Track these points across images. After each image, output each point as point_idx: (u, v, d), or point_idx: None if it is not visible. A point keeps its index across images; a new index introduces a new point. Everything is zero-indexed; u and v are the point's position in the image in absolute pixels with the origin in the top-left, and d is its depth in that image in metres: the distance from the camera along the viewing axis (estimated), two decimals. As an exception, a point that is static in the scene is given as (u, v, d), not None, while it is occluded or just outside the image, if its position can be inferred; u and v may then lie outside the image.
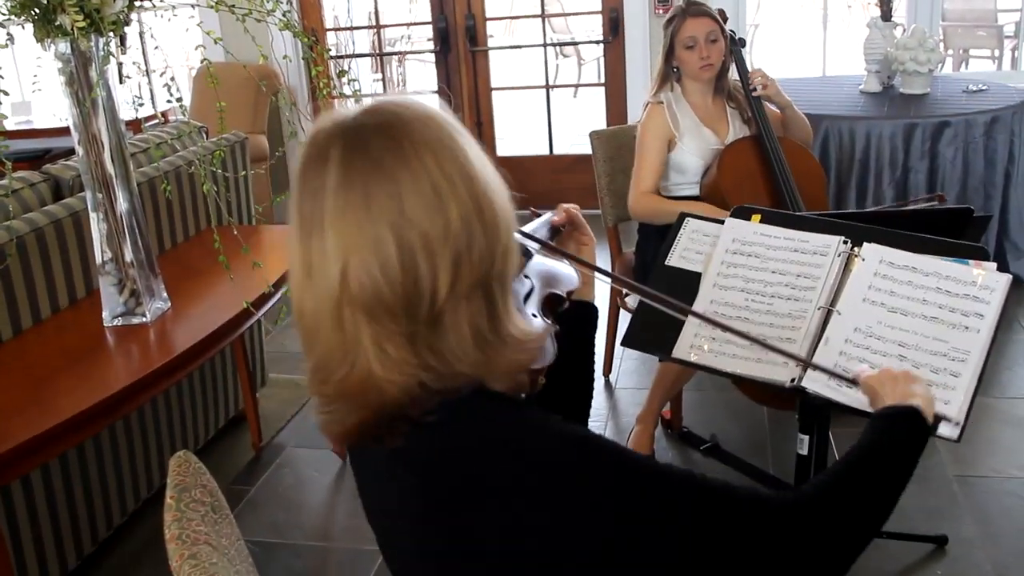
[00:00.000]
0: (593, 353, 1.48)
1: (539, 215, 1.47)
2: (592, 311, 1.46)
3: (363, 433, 1.01)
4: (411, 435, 1.00)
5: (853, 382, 1.37)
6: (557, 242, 1.46)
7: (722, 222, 2.02)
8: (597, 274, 1.43)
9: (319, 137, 0.98)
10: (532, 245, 1.30)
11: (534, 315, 1.26)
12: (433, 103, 1.03)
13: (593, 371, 1.49)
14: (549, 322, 1.24)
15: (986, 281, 1.73)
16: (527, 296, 1.28)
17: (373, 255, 0.93)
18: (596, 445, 1.01)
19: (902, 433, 1.26)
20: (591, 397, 1.48)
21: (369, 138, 0.96)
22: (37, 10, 2.03)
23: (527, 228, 1.42)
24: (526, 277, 1.29)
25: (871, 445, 1.23)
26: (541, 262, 1.33)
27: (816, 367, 1.61)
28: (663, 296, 1.41)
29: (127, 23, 2.20)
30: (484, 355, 0.99)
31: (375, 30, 6.17)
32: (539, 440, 1.00)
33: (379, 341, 0.95)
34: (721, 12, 3.14)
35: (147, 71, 5.05)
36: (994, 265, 1.75)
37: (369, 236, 0.93)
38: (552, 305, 1.29)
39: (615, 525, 0.98)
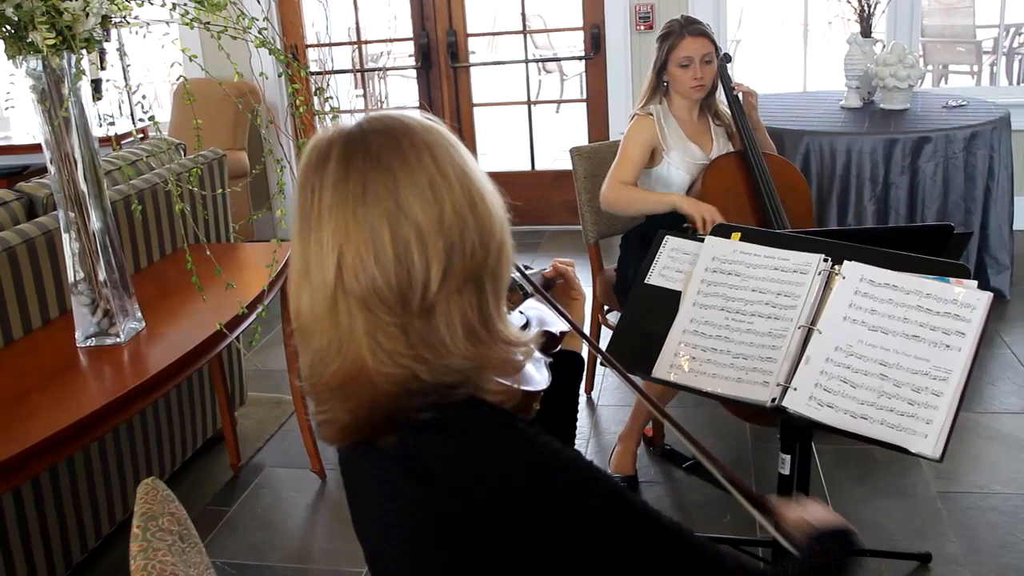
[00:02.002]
0: (576, 403, 1.49)
1: (529, 269, 1.49)
2: (578, 363, 1.48)
3: (357, 430, 1.03)
4: (407, 437, 1.01)
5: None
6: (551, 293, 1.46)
7: (701, 239, 2.01)
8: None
9: (321, 142, 1.02)
10: (526, 285, 1.32)
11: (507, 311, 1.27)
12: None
13: (576, 420, 1.50)
14: (543, 355, 1.24)
15: (967, 299, 1.73)
16: (522, 329, 1.28)
17: (368, 245, 0.96)
18: (588, 472, 1.02)
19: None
20: (573, 443, 1.48)
21: (369, 138, 1.00)
22: (8, 27, 2.00)
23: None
24: (520, 312, 1.33)
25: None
26: (536, 304, 1.36)
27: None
28: (622, 371, 1.39)
29: (105, 40, 2.17)
30: (475, 348, 1.00)
31: (356, 46, 6.15)
32: (533, 461, 1.00)
33: (372, 331, 0.98)
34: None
35: (127, 88, 5.02)
36: (975, 283, 1.75)
37: (365, 226, 0.96)
38: (545, 344, 1.30)
39: (614, 554, 0.99)
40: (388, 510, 1.06)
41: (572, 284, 1.49)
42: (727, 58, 3.16)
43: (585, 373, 3.49)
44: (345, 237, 0.96)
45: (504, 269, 1.05)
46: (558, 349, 1.35)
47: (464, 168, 1.02)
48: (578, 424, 1.51)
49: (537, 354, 1.26)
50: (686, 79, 2.98)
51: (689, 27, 2.99)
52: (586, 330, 1.41)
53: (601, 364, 1.88)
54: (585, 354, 1.56)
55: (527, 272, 1.45)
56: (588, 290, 3.33)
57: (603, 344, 1.98)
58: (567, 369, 1.43)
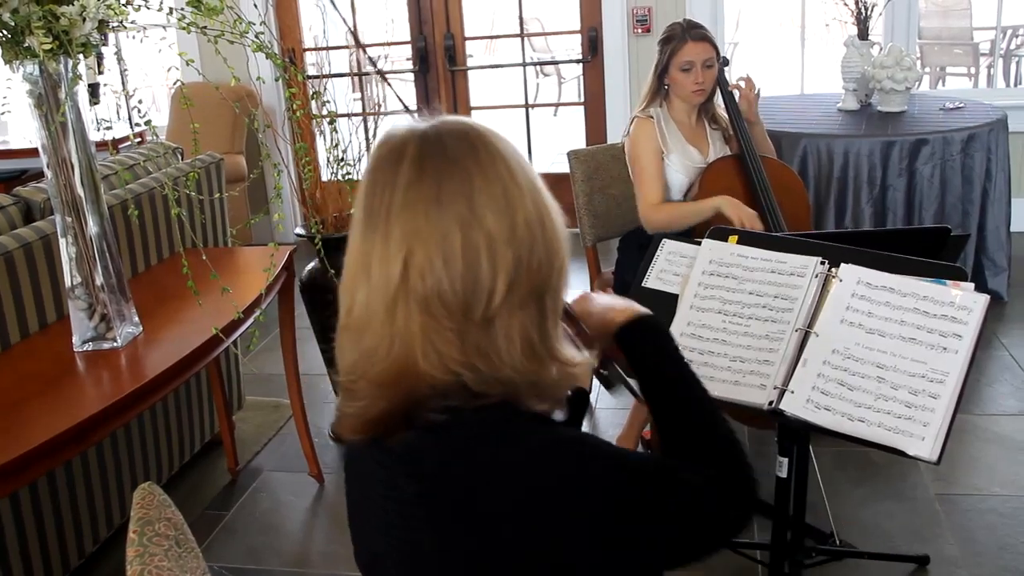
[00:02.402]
0: (587, 402, 1.47)
1: None
2: (585, 400, 1.45)
3: (379, 426, 1.01)
4: (416, 437, 1.00)
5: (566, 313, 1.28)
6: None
7: (698, 243, 2.01)
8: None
9: (394, 138, 1.00)
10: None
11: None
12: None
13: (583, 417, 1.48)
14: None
15: (964, 301, 1.73)
16: None
17: (438, 248, 0.95)
18: (595, 448, 1.02)
19: (667, 339, 1.29)
20: None
21: (446, 140, 0.99)
22: (5, 31, 2.00)
23: None
24: None
25: (670, 367, 1.25)
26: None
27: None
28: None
29: (103, 44, 2.17)
30: (531, 365, 1.00)
31: (354, 50, 6.15)
32: (529, 454, 0.99)
33: (429, 334, 0.96)
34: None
35: (124, 92, 5.02)
36: (971, 285, 1.75)
37: (436, 228, 0.95)
38: None
39: (615, 525, 0.99)
40: (390, 511, 1.05)
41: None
42: (725, 62, 3.16)
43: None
44: (415, 237, 0.95)
45: (563, 289, 1.05)
46: None
47: (535, 183, 1.01)
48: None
49: None
50: (687, 83, 2.98)
51: (691, 31, 2.99)
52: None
53: (596, 372, 1.86)
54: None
55: None
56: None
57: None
58: (573, 406, 1.42)
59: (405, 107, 3.58)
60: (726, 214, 2.85)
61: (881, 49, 4.44)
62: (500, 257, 0.95)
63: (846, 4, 4.45)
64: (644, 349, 1.26)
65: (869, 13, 4.37)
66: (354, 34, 4.87)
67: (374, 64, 4.58)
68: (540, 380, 1.01)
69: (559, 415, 1.12)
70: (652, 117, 3.04)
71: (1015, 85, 7.49)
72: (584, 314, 1.38)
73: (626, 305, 1.31)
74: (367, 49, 4.63)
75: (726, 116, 3.11)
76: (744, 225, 2.77)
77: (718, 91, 3.10)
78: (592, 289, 3.37)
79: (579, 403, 1.44)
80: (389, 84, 4.71)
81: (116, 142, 4.82)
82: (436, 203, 0.95)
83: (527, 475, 0.98)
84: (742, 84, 3.09)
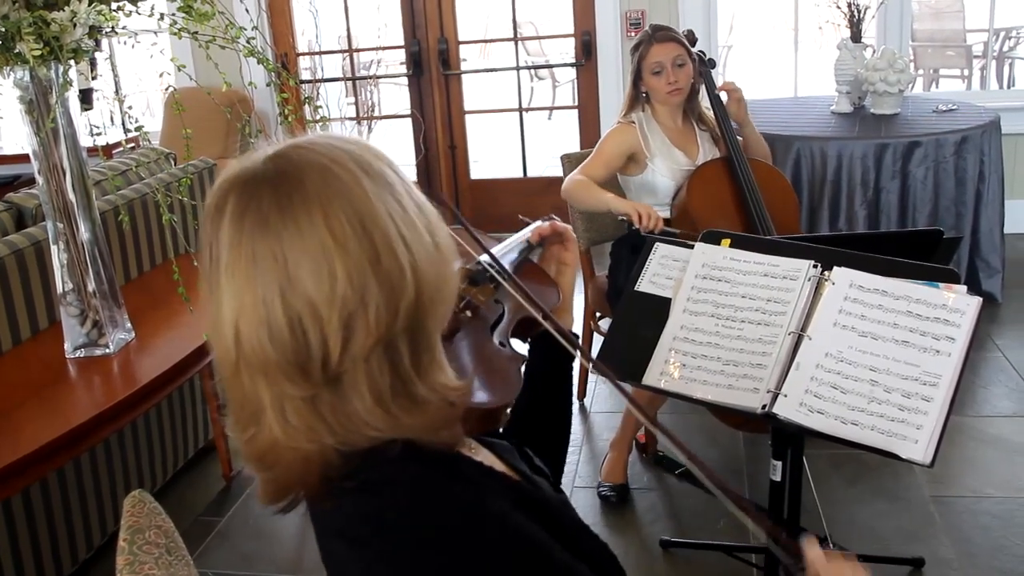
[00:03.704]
0: (568, 386, 1.42)
1: (527, 223, 1.43)
2: (567, 364, 1.40)
3: (285, 498, 0.98)
4: (340, 500, 0.95)
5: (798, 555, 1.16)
6: (537, 257, 1.41)
7: (691, 246, 2.00)
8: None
9: (220, 187, 0.94)
10: (500, 279, 1.23)
11: (501, 343, 1.23)
12: (361, 136, 0.98)
13: (569, 405, 1.44)
14: (516, 352, 1.21)
15: (956, 304, 1.73)
16: (495, 323, 1.24)
17: (262, 319, 0.88)
18: (515, 539, 0.96)
19: None
20: (567, 434, 1.43)
21: (261, 191, 0.90)
22: (-4, 38, 2.00)
23: (507, 242, 1.37)
24: (497, 302, 1.25)
25: None
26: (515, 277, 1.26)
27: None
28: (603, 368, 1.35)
29: (96, 50, 2.17)
30: (391, 416, 0.93)
31: (347, 54, 6.15)
32: (457, 523, 0.94)
33: (279, 406, 0.91)
34: (690, 34, 3.15)
35: (116, 97, 5.01)
36: (964, 288, 1.75)
37: (257, 298, 0.88)
38: (527, 328, 1.25)
39: None
40: (335, 569, 1.01)
41: (566, 236, 1.38)
42: (711, 63, 3.16)
43: (577, 380, 3.51)
44: (239, 309, 0.89)
45: (428, 320, 0.94)
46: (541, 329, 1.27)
47: (364, 218, 0.90)
48: (570, 431, 1.47)
49: (509, 354, 1.21)
50: (661, 85, 2.99)
51: (656, 34, 3.01)
52: (577, 329, 1.35)
53: (592, 371, 1.86)
54: (577, 325, 1.47)
55: (508, 246, 1.37)
56: (580, 297, 3.34)
57: (598, 347, 1.97)
58: (551, 357, 1.36)
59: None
60: (617, 210, 2.88)
61: (874, 51, 4.44)
62: (325, 321, 0.88)
63: (839, 7, 4.46)
64: None
65: (862, 16, 4.37)
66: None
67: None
68: (408, 426, 0.94)
69: (514, 384, 1.08)
70: (634, 123, 3.05)
71: (1008, 87, 7.50)
72: (572, 258, 1.36)
73: None
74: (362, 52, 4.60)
75: (713, 116, 3.11)
76: (641, 214, 2.77)
77: (704, 91, 3.11)
78: (586, 292, 3.37)
79: (557, 349, 1.32)
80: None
81: (109, 148, 4.82)
82: (253, 271, 0.89)
83: (454, 543, 0.93)
84: (723, 95, 3.10)
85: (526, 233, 1.41)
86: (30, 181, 4.37)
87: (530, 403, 1.33)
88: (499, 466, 1.08)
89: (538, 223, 1.42)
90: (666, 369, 1.88)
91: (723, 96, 3.09)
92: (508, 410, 1.07)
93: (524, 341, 1.36)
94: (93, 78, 4.50)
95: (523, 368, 1.28)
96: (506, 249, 1.36)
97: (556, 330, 1.22)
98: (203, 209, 0.95)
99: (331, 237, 0.88)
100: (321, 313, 0.88)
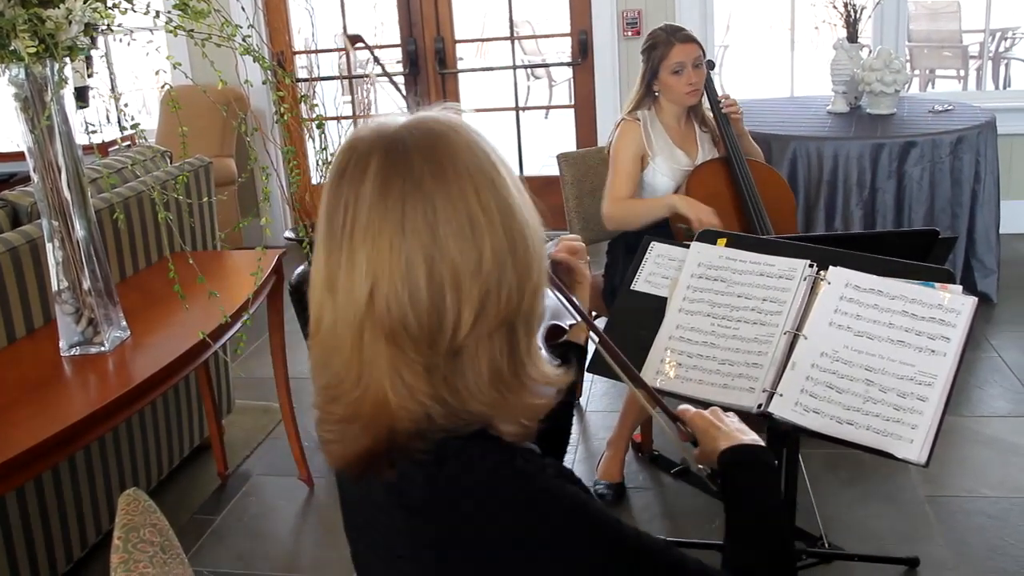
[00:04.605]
0: (575, 397, 1.46)
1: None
2: (581, 355, 1.44)
3: (367, 462, 0.98)
4: (407, 472, 0.97)
5: (675, 418, 1.36)
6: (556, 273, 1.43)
7: (687, 245, 2.01)
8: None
9: (359, 145, 0.95)
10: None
11: (539, 348, 1.24)
12: (476, 123, 1.00)
13: (572, 413, 1.47)
14: (559, 362, 1.22)
15: (952, 304, 1.73)
16: None
17: (403, 280, 0.91)
18: (584, 510, 0.98)
19: (758, 473, 1.27)
20: (568, 438, 1.45)
21: (411, 154, 0.93)
22: (-9, 35, 1.99)
23: None
24: None
25: (746, 501, 1.24)
26: (548, 293, 1.30)
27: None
28: (630, 367, 1.37)
29: (91, 47, 2.16)
30: (500, 395, 0.96)
31: (344, 52, 6.14)
32: (525, 497, 0.96)
33: (397, 366, 0.93)
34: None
35: (112, 95, 5.00)
36: (960, 288, 1.75)
37: (401, 259, 0.91)
38: (552, 336, 1.27)
39: None
40: (386, 541, 1.03)
41: (576, 269, 1.42)
42: (711, 64, 3.17)
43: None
44: (380, 266, 0.91)
45: (539, 309, 1.00)
46: (563, 339, 1.30)
47: (508, 200, 0.95)
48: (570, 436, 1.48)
49: (547, 357, 1.23)
50: (680, 85, 2.99)
51: (677, 35, 3.01)
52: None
53: (588, 370, 1.86)
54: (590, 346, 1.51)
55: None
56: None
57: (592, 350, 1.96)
58: (569, 363, 1.39)
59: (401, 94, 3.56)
60: (682, 212, 2.87)
61: (870, 52, 4.45)
62: (465, 291, 0.91)
63: (835, 7, 4.46)
64: (735, 483, 1.25)
65: (858, 16, 4.38)
66: (354, 36, 4.86)
67: (378, 61, 4.55)
68: (511, 410, 0.98)
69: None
70: (639, 120, 3.05)
71: (1004, 87, 7.51)
72: (700, 430, 1.36)
73: (735, 430, 1.31)
74: (369, 49, 4.60)
75: (713, 117, 3.11)
76: (702, 221, 2.79)
77: (704, 93, 3.11)
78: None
79: (575, 361, 1.41)
80: (392, 81, 4.69)
81: (105, 145, 4.81)
82: (400, 230, 0.90)
83: (515, 518, 0.96)
84: (730, 103, 3.10)
85: (549, 248, 1.43)
86: (25, 179, 4.36)
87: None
88: None
89: (552, 243, 1.43)
90: (662, 368, 1.88)
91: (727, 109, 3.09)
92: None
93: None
94: (89, 76, 4.49)
95: None
96: None
97: (595, 334, 1.28)
98: (335, 168, 0.96)
99: (482, 213, 0.92)
100: (463, 284, 0.91)
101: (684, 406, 1.39)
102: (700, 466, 1.36)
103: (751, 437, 1.30)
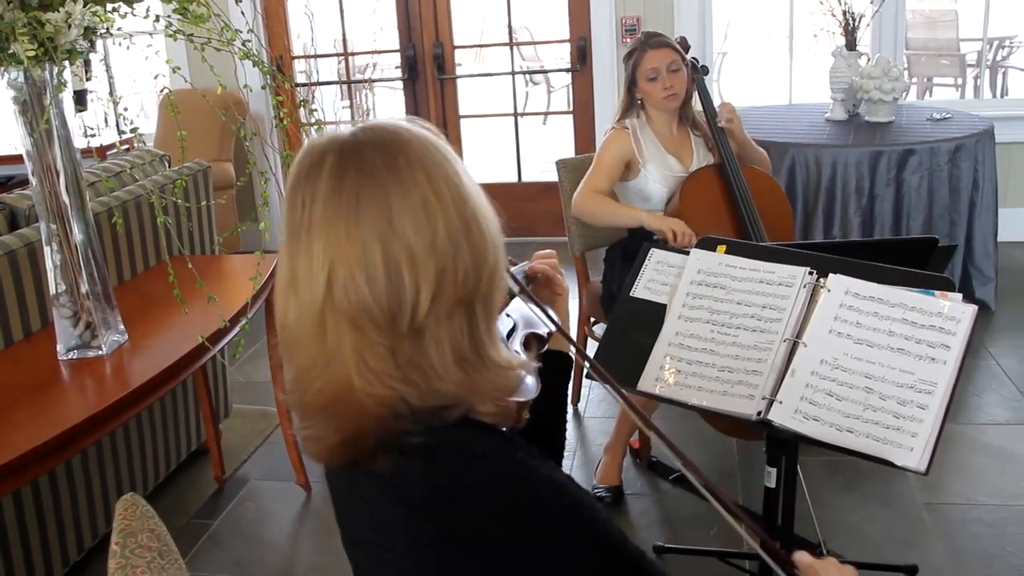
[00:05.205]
0: (566, 405, 1.46)
1: (515, 264, 1.45)
2: (567, 362, 1.45)
3: (346, 453, 1.00)
4: (399, 463, 0.98)
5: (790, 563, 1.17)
6: (532, 289, 1.44)
7: (687, 252, 2.00)
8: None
9: (314, 149, 0.99)
10: (512, 286, 1.28)
11: (516, 351, 1.24)
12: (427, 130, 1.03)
13: (565, 421, 1.47)
14: (531, 360, 1.22)
15: (952, 312, 1.73)
16: (509, 333, 1.28)
17: (359, 263, 0.94)
18: (576, 500, 1.00)
19: None
20: (563, 445, 1.46)
21: (364, 150, 0.97)
22: (-10, 38, 1.98)
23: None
24: (508, 316, 1.29)
25: None
26: (522, 305, 1.32)
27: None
28: (608, 377, 1.36)
29: (90, 51, 2.16)
30: (465, 375, 0.98)
31: (343, 57, 6.15)
32: (524, 486, 0.98)
33: (360, 351, 0.95)
34: (683, 40, 3.16)
35: (111, 99, 5.00)
36: (960, 296, 1.75)
37: (357, 244, 0.94)
38: (533, 346, 1.28)
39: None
40: (382, 536, 1.04)
41: (554, 281, 1.43)
42: (704, 70, 3.17)
43: (572, 384, 3.50)
44: (336, 253, 0.94)
45: (496, 293, 1.02)
46: (544, 349, 1.33)
47: (460, 188, 0.99)
48: (564, 446, 1.48)
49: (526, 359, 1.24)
50: (657, 91, 2.99)
51: (650, 40, 3.02)
52: (572, 335, 1.38)
53: (587, 376, 1.86)
54: (571, 330, 1.52)
55: (512, 269, 1.42)
56: (574, 302, 3.33)
57: (592, 352, 1.96)
58: (555, 370, 1.39)
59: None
60: (652, 227, 2.89)
61: (869, 59, 4.46)
62: (422, 270, 0.94)
63: (834, 15, 4.46)
64: None
65: (857, 24, 4.39)
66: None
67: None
68: (478, 388, 1.00)
69: (532, 386, 1.11)
70: (627, 128, 3.05)
71: (1002, 96, 7.53)
72: (563, 289, 1.40)
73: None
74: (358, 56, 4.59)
75: (705, 122, 3.11)
76: (676, 232, 2.79)
77: (696, 97, 3.11)
78: (580, 298, 3.37)
79: (562, 367, 1.41)
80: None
81: (103, 149, 4.81)
82: (355, 217, 0.94)
83: (515, 516, 0.97)
84: (727, 104, 3.10)
85: (524, 264, 1.44)
86: (24, 182, 4.36)
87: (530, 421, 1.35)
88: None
89: (528, 263, 1.45)
90: (661, 375, 1.88)
91: (722, 120, 3.08)
92: (526, 413, 1.08)
93: None
94: (88, 79, 4.49)
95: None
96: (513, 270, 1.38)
97: (569, 342, 1.27)
98: (293, 171, 0.99)
99: (434, 195, 0.96)
100: (419, 261, 0.94)
101: (800, 553, 1.17)
102: None
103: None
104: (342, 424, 0.98)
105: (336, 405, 0.98)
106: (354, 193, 0.94)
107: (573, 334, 3.30)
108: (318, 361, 0.97)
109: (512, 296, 1.29)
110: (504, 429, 1.05)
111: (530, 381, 1.12)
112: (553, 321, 1.26)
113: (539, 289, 1.45)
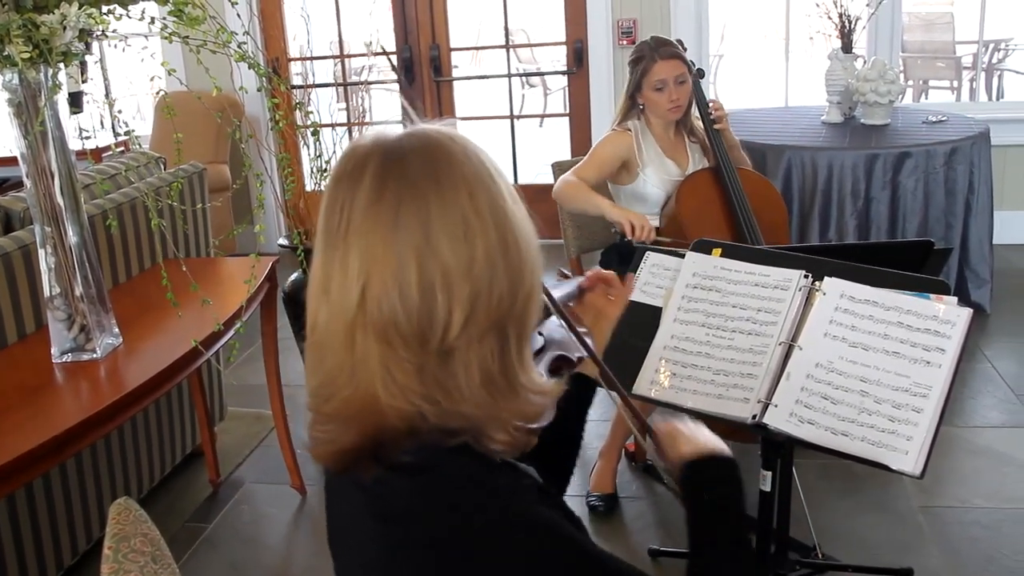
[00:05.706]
0: (583, 431, 1.43)
1: (567, 277, 1.44)
2: (591, 391, 1.42)
3: (354, 457, 0.98)
4: (382, 475, 0.97)
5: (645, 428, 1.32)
6: (581, 303, 1.41)
7: (682, 255, 2.00)
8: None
9: (357, 151, 0.97)
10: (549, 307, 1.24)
11: (540, 374, 1.22)
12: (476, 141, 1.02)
13: (579, 447, 1.45)
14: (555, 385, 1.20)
15: (947, 315, 1.73)
16: (537, 353, 1.24)
17: (394, 278, 0.91)
18: (556, 537, 0.97)
19: (721, 480, 1.29)
20: (572, 470, 1.44)
21: (408, 158, 0.94)
22: (-16, 40, 1.98)
23: (551, 289, 1.36)
24: (539, 334, 1.26)
25: (705, 509, 1.24)
26: (558, 323, 1.27)
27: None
28: (624, 393, 1.36)
29: (86, 53, 2.16)
30: (491, 398, 0.96)
31: (339, 60, 6.14)
32: (500, 518, 0.96)
33: (387, 365, 0.94)
34: (680, 43, 3.15)
35: (106, 101, 4.99)
36: (955, 299, 1.75)
37: (392, 256, 0.91)
38: (560, 368, 1.25)
39: None
40: (354, 544, 1.03)
41: (602, 309, 1.39)
42: (700, 73, 3.16)
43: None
44: (372, 265, 0.92)
45: (531, 316, 1.00)
46: (573, 372, 1.28)
47: (502, 207, 0.96)
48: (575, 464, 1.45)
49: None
50: (662, 102, 2.99)
51: (660, 50, 3.00)
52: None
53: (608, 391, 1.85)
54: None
55: (556, 287, 1.37)
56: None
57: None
58: (579, 397, 1.38)
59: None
60: (611, 218, 2.90)
61: (865, 62, 4.46)
62: (456, 292, 0.92)
63: (830, 17, 4.47)
64: (698, 494, 1.25)
65: (853, 26, 4.39)
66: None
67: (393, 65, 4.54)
68: (500, 413, 0.97)
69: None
70: (630, 130, 3.05)
71: (997, 99, 7.54)
72: (666, 436, 1.35)
73: (702, 440, 1.30)
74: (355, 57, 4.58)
75: (702, 126, 3.11)
76: (634, 225, 2.79)
77: (694, 103, 3.11)
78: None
79: (585, 393, 1.40)
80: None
81: (98, 151, 4.80)
82: (393, 230, 0.91)
83: (488, 541, 0.95)
84: (715, 100, 3.11)
85: (576, 280, 1.42)
86: (18, 184, 4.35)
87: (545, 443, 1.34)
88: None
89: (581, 278, 1.42)
90: (656, 378, 1.88)
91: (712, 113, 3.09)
92: (534, 439, 1.07)
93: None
94: (83, 81, 4.48)
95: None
96: (556, 290, 1.35)
97: (602, 371, 1.26)
98: (335, 173, 0.98)
99: (475, 215, 0.93)
100: (453, 283, 0.92)
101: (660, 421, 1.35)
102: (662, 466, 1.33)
103: (717, 445, 1.29)
104: (360, 433, 0.97)
105: (359, 415, 0.96)
106: (394, 203, 0.92)
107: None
108: (344, 370, 0.95)
109: (547, 315, 1.25)
110: (504, 460, 1.02)
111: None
112: (588, 348, 1.23)
113: (585, 307, 1.40)
